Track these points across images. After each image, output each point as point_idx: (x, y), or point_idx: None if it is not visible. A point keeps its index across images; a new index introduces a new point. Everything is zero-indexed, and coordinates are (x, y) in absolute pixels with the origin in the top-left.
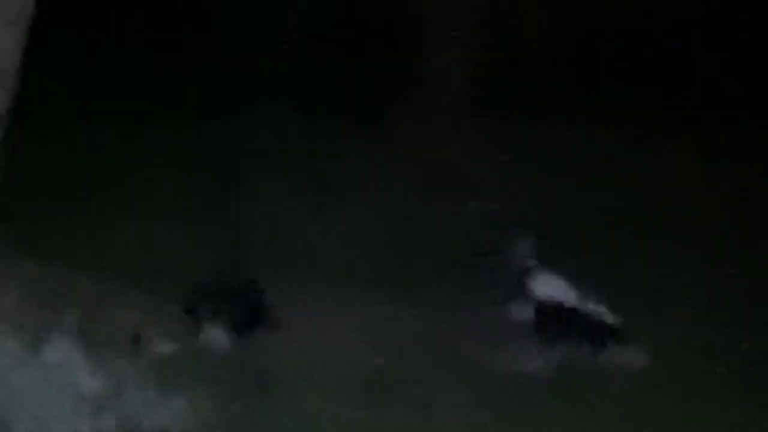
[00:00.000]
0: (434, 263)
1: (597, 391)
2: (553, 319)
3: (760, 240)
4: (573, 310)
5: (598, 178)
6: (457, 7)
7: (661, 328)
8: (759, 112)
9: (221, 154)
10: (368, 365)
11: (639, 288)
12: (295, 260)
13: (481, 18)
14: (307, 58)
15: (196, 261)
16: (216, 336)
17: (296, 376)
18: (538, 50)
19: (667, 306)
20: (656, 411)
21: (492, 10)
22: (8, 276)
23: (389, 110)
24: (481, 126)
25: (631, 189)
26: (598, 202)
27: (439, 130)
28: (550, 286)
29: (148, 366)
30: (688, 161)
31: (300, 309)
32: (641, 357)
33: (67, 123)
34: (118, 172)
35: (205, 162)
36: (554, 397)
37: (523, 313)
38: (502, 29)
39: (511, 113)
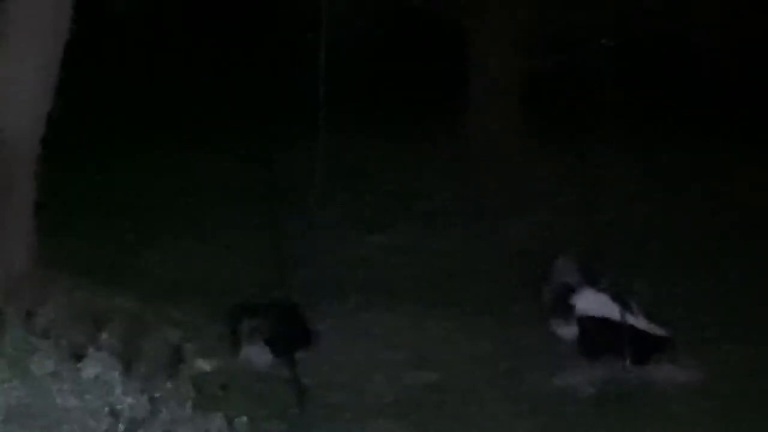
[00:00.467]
0: (481, 282)
1: (639, 407)
2: (597, 335)
3: None
4: (617, 325)
5: (653, 195)
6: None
7: (713, 346)
8: None
9: (265, 174)
10: (413, 383)
11: (693, 306)
12: (341, 279)
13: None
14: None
15: (239, 280)
16: (255, 354)
17: (337, 394)
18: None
19: (719, 323)
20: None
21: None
22: (50, 292)
23: (437, 124)
24: (531, 141)
25: (686, 206)
26: (651, 220)
27: (489, 146)
28: (594, 302)
29: (186, 383)
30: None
31: (344, 329)
32: (688, 374)
33: (110, 143)
34: (162, 193)
35: (249, 181)
36: (598, 412)
37: (568, 329)
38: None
39: (560, 128)
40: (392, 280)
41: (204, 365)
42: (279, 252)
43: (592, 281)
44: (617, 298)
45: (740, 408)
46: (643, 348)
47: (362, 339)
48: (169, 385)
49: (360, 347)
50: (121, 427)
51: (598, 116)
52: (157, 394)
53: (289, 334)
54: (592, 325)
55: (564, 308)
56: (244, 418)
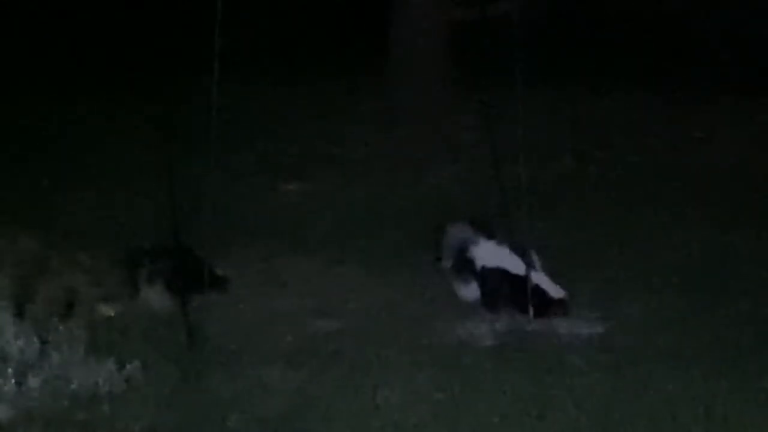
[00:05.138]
0: (395, 230)
1: (537, 359)
2: (497, 286)
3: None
4: (517, 277)
5: (558, 149)
6: None
7: (610, 300)
8: None
9: (180, 122)
10: (314, 332)
11: (588, 258)
12: (255, 226)
13: None
14: None
15: (148, 226)
16: (155, 298)
17: (236, 341)
18: None
19: (625, 276)
20: (607, 381)
21: None
22: None
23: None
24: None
25: (593, 159)
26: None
27: (413, 95)
28: (493, 255)
29: (79, 328)
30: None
31: (252, 275)
32: (588, 327)
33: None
34: (72, 140)
35: (166, 129)
36: (496, 363)
37: (470, 287)
38: None
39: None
40: (306, 228)
41: (107, 310)
42: (186, 197)
43: (489, 236)
44: (517, 250)
45: (635, 361)
46: (542, 301)
47: (269, 286)
48: (61, 329)
49: (266, 294)
50: (9, 370)
51: (521, 67)
52: (48, 339)
53: (190, 278)
54: (491, 277)
55: (464, 264)
56: (137, 363)
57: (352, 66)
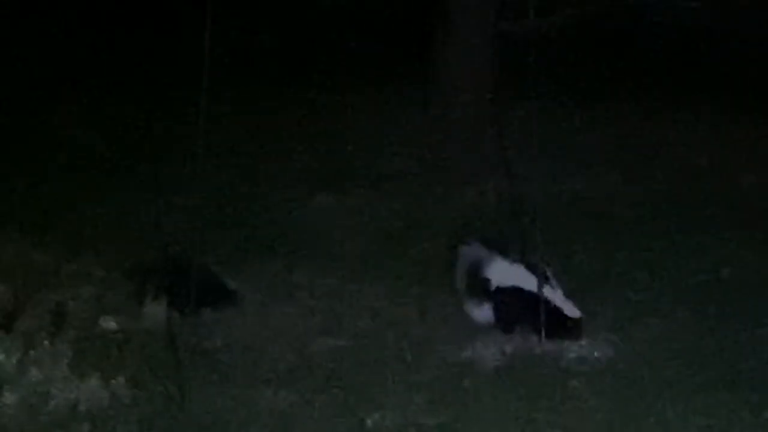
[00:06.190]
0: (419, 247)
1: (538, 382)
2: (511, 306)
3: (732, 231)
4: (532, 297)
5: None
6: None
7: (626, 322)
8: None
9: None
10: (318, 350)
11: (614, 279)
12: (277, 239)
13: None
14: None
15: (169, 237)
16: (158, 313)
17: (235, 358)
18: None
19: (632, 300)
20: (606, 407)
21: None
22: None
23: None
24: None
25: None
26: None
27: (455, 110)
28: (508, 274)
29: (63, 343)
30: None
31: (265, 290)
32: (600, 351)
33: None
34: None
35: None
36: (496, 385)
37: (484, 310)
38: None
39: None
40: (329, 242)
41: (109, 323)
42: (210, 209)
43: (504, 255)
44: (532, 268)
45: (639, 389)
46: (556, 322)
47: (280, 302)
48: (46, 343)
49: (275, 310)
50: None
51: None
52: (31, 354)
53: (200, 293)
54: (505, 297)
55: (478, 284)
56: (122, 380)
57: (396, 77)
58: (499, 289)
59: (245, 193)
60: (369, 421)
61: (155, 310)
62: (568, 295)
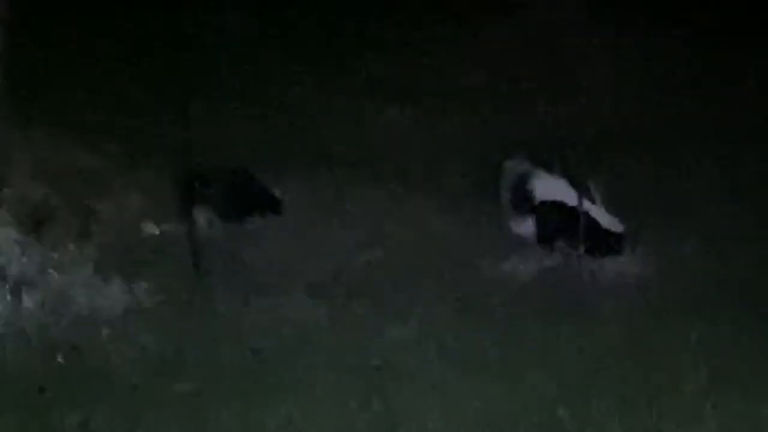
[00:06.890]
0: (472, 168)
1: (562, 298)
2: (552, 219)
3: None
4: (573, 211)
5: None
6: None
7: (667, 240)
8: None
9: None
10: (342, 262)
11: (649, 197)
12: (316, 152)
13: None
14: None
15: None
16: (201, 219)
17: (261, 268)
18: None
19: (675, 217)
20: (642, 324)
21: None
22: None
23: None
24: None
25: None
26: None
27: None
28: (551, 188)
29: (90, 247)
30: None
31: (304, 200)
32: (640, 265)
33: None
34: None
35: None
36: (521, 301)
37: (525, 215)
38: None
39: None
40: (389, 155)
41: (151, 228)
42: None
43: (548, 169)
44: (575, 184)
45: (665, 307)
46: (597, 237)
47: (322, 213)
48: (72, 247)
49: (315, 221)
50: (7, 287)
51: None
52: (52, 259)
53: (245, 201)
54: (547, 211)
55: (521, 198)
56: (144, 284)
57: None
58: (542, 203)
59: (314, 103)
60: (391, 333)
61: (198, 218)
62: (612, 211)
